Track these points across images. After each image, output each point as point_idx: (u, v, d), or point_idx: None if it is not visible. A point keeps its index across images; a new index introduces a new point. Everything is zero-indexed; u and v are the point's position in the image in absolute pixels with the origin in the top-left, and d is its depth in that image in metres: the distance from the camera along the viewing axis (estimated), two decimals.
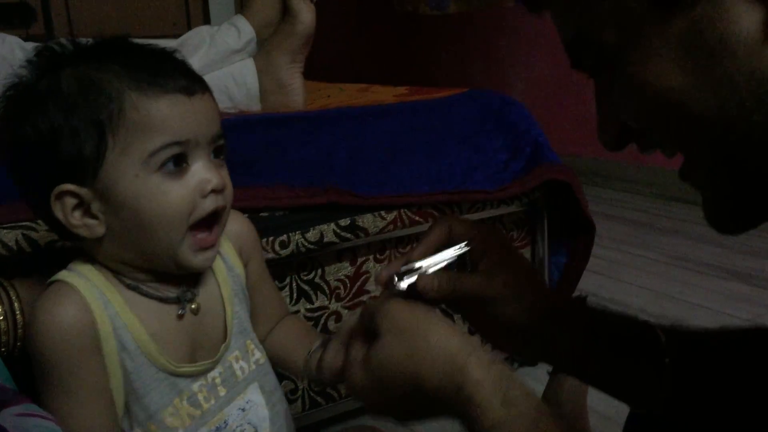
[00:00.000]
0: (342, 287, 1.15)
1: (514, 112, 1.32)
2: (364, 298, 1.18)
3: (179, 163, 0.61)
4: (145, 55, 0.64)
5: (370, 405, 0.60)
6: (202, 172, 0.62)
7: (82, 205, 0.61)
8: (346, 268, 1.15)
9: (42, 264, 0.83)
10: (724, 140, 0.43)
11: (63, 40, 0.64)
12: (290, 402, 1.12)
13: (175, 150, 0.60)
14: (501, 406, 0.50)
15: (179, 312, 0.67)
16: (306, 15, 1.33)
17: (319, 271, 1.12)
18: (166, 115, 0.60)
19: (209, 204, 0.62)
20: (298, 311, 1.11)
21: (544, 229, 1.33)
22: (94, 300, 0.62)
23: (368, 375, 0.57)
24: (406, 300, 0.60)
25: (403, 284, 0.62)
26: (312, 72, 1.44)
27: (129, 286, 0.65)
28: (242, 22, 1.36)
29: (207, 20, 3.37)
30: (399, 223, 1.14)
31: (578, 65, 0.49)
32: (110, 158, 0.60)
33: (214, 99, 0.65)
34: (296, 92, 1.39)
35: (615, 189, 2.80)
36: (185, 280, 0.68)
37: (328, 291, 1.13)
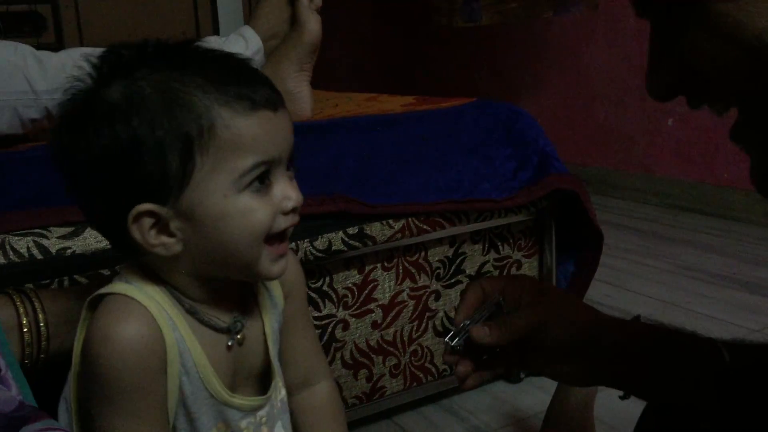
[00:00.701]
0: (350, 295, 1.15)
1: (522, 121, 1.33)
2: (372, 306, 1.18)
3: (263, 180, 0.59)
4: (224, 63, 0.61)
5: None
6: (283, 188, 0.60)
7: (159, 224, 0.59)
8: (354, 276, 1.15)
9: (54, 270, 0.84)
10: None
11: (127, 44, 0.61)
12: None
13: (263, 169, 0.59)
14: None
15: (229, 343, 0.66)
16: (313, 25, 1.34)
17: (327, 278, 1.12)
18: (257, 133, 0.58)
19: (286, 221, 0.61)
20: None
21: (552, 238, 1.33)
22: (162, 321, 0.60)
23: None
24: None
25: (457, 342, 0.70)
26: (320, 82, 1.45)
27: (188, 311, 0.63)
28: (250, 33, 1.37)
29: (216, 30, 3.39)
30: (407, 232, 1.15)
31: (645, 10, 0.47)
32: (197, 177, 0.57)
33: (288, 111, 0.64)
34: (303, 101, 1.39)
35: (623, 198, 2.79)
36: (236, 303, 0.67)
37: (335, 299, 1.14)
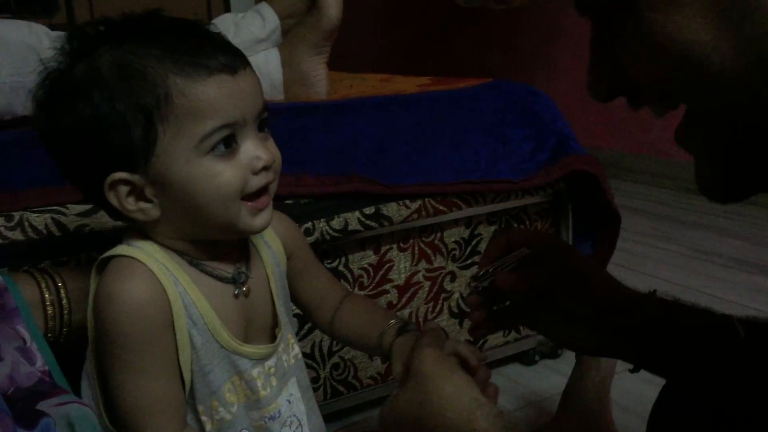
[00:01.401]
0: (365, 275, 1.15)
1: (539, 102, 1.31)
2: (388, 287, 1.18)
3: (229, 144, 0.61)
4: (182, 32, 0.62)
5: None
6: (252, 150, 0.62)
7: (135, 191, 0.62)
8: (369, 257, 1.15)
9: (72, 247, 0.84)
10: (736, 101, 0.41)
11: (95, 22, 0.63)
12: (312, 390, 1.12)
13: (225, 132, 0.60)
14: None
15: (235, 292, 0.68)
16: (333, 9, 1.32)
17: (343, 259, 1.12)
18: (214, 97, 0.60)
19: (260, 180, 0.63)
20: None
21: (569, 220, 1.32)
22: (163, 276, 0.63)
23: (391, 414, 0.64)
24: (437, 349, 0.66)
25: (483, 282, 0.72)
26: (333, 62, 1.44)
27: (190, 263, 0.66)
28: (267, 10, 1.36)
29: (228, 10, 3.38)
30: (423, 212, 1.14)
31: (583, 8, 0.47)
32: (161, 145, 0.60)
33: (254, 72, 0.65)
34: (320, 83, 1.38)
35: (638, 182, 2.77)
36: (238, 258, 0.70)
37: (351, 279, 1.13)
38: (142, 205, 0.62)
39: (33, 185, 0.85)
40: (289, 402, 0.72)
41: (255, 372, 0.68)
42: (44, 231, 0.83)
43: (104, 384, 0.65)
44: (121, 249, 0.64)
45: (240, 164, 0.61)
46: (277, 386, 0.71)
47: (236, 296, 0.68)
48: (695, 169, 0.47)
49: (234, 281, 0.68)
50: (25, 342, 0.66)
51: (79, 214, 0.85)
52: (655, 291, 0.72)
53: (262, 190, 0.64)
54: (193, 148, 0.60)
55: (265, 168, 0.63)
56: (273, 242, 0.75)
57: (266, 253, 0.73)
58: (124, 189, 0.61)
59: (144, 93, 0.59)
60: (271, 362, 0.70)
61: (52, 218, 0.84)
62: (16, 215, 0.83)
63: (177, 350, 0.63)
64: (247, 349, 0.68)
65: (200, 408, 0.66)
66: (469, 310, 0.76)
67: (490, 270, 0.72)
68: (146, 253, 0.64)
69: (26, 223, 0.83)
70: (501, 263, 0.72)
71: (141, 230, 0.65)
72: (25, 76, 1.08)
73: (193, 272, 0.65)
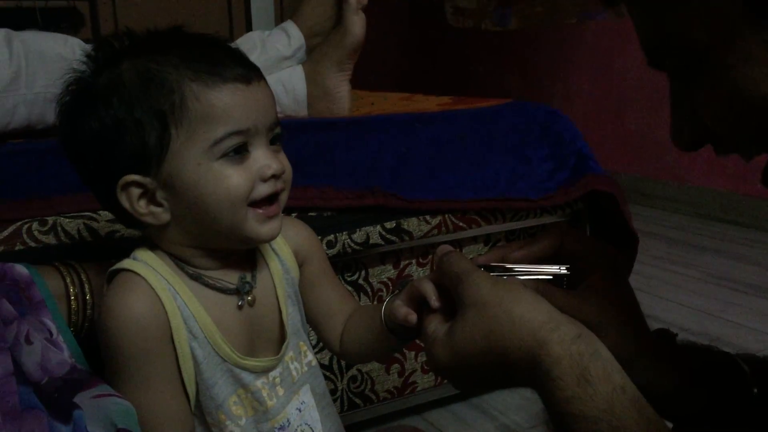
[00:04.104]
0: (385, 289, 1.16)
1: (559, 123, 1.33)
2: None
3: (240, 150, 0.63)
4: (201, 44, 0.65)
5: (454, 381, 0.60)
6: (262, 158, 0.64)
7: (147, 194, 0.63)
8: (389, 271, 1.16)
9: (102, 252, 0.86)
10: None
11: (120, 34, 0.66)
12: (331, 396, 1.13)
13: (237, 139, 0.62)
14: (576, 384, 0.50)
15: (239, 303, 0.68)
16: (357, 29, 1.35)
17: (363, 272, 1.13)
18: (227, 104, 0.62)
19: (268, 188, 0.64)
20: None
21: None
22: (162, 290, 0.64)
23: (451, 353, 0.57)
24: (486, 273, 0.59)
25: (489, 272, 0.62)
26: (354, 80, 1.46)
27: (191, 276, 0.66)
28: (293, 29, 1.39)
29: (249, 27, 3.42)
30: (443, 228, 1.15)
31: (657, 64, 0.48)
32: (174, 148, 0.62)
33: (269, 87, 0.67)
34: (342, 100, 1.41)
35: (655, 207, 2.77)
36: (244, 268, 0.70)
37: (371, 293, 1.15)
38: (153, 208, 0.64)
39: (66, 192, 0.87)
40: (300, 410, 0.72)
41: (259, 383, 0.69)
42: (76, 236, 0.85)
43: None
44: (124, 263, 0.66)
45: (249, 170, 0.63)
46: (284, 395, 0.71)
47: (240, 307, 0.68)
48: None
49: (238, 292, 0.69)
50: (51, 334, 0.67)
51: (110, 221, 0.87)
52: (676, 335, 0.69)
53: (271, 199, 0.65)
54: (204, 152, 0.62)
55: (274, 176, 0.64)
56: (282, 249, 0.75)
57: (274, 260, 0.74)
58: (136, 191, 0.63)
59: (161, 98, 0.61)
60: (275, 372, 0.70)
61: (84, 224, 0.86)
62: (50, 220, 0.85)
63: (179, 364, 0.64)
64: (250, 362, 0.68)
65: (209, 420, 0.66)
66: None
67: (506, 267, 0.63)
68: (148, 266, 0.65)
69: (59, 228, 0.85)
70: (525, 269, 0.63)
71: (151, 238, 0.67)
72: (59, 87, 1.11)
73: (195, 285, 0.66)
